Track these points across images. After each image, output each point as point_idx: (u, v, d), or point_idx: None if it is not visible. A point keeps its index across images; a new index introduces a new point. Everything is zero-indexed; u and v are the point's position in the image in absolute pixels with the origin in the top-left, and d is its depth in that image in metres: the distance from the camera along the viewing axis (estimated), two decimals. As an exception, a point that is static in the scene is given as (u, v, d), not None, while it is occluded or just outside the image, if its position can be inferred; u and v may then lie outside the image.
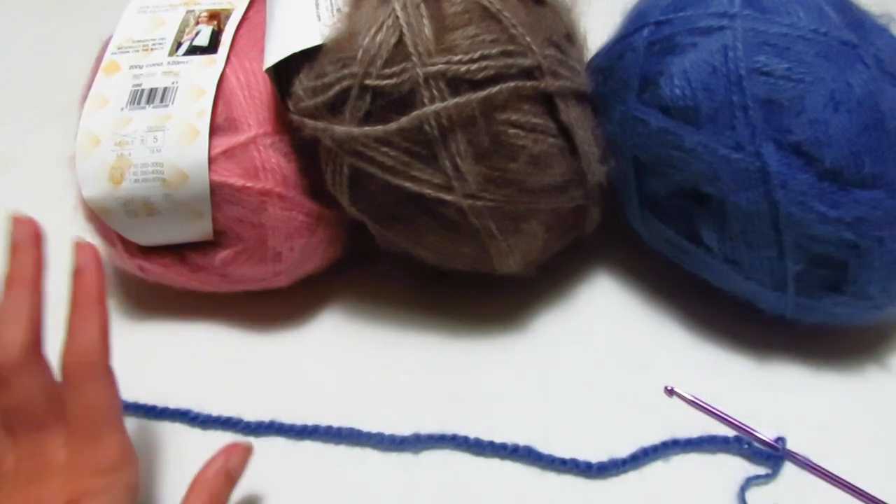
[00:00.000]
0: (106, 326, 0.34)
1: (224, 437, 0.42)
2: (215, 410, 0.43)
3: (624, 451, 0.41)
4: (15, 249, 0.35)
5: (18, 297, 0.34)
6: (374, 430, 0.42)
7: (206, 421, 0.43)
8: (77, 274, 0.35)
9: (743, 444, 0.41)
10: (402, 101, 0.38)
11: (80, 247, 0.35)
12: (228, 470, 0.36)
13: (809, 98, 0.38)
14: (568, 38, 0.43)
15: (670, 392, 0.44)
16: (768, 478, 0.40)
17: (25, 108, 0.63)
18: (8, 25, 0.72)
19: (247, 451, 0.38)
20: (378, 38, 0.38)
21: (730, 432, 0.42)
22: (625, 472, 0.41)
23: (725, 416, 0.43)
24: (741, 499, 0.39)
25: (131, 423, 0.43)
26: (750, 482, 0.40)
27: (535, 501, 0.40)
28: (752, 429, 0.42)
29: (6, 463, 0.33)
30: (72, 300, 0.34)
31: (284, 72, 0.42)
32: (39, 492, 0.32)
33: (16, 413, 0.32)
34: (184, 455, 0.41)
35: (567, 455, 0.41)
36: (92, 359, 0.33)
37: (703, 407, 0.43)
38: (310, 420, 0.43)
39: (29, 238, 0.35)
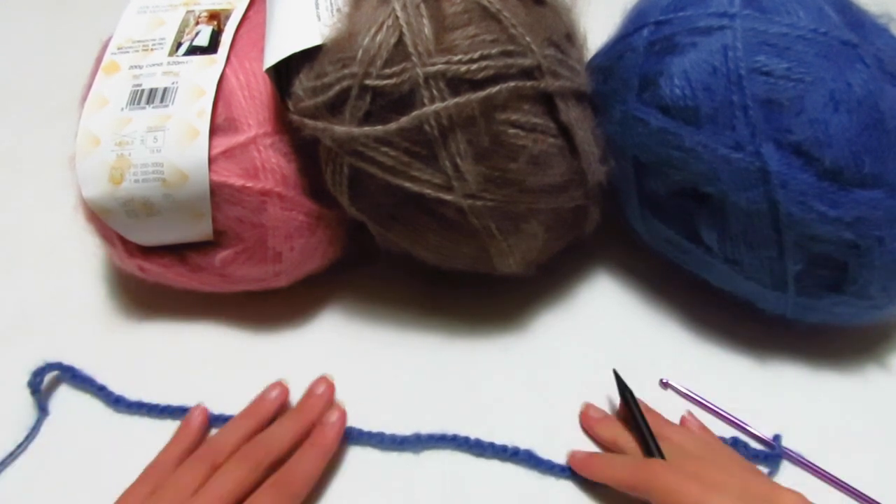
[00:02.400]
0: (319, 474, 0.39)
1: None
2: (215, 410, 0.43)
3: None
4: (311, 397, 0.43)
5: (247, 424, 0.41)
6: (374, 429, 0.42)
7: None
8: (325, 425, 0.41)
9: (739, 444, 0.41)
10: (402, 101, 0.38)
11: (339, 411, 0.41)
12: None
13: (809, 98, 0.38)
14: (568, 38, 0.43)
15: (665, 385, 0.44)
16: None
17: (25, 108, 0.63)
18: (8, 25, 0.72)
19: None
20: (378, 38, 0.38)
21: (727, 431, 0.42)
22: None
23: (720, 411, 0.43)
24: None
25: (132, 423, 0.43)
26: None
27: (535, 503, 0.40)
28: (746, 424, 0.42)
29: None
30: (312, 439, 0.40)
31: (284, 72, 0.42)
32: None
33: (207, 451, 0.39)
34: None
35: (565, 453, 0.41)
36: (297, 486, 0.38)
37: (698, 401, 0.43)
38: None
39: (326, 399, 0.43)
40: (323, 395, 0.42)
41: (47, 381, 0.44)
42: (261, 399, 0.43)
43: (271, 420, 0.41)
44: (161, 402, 0.44)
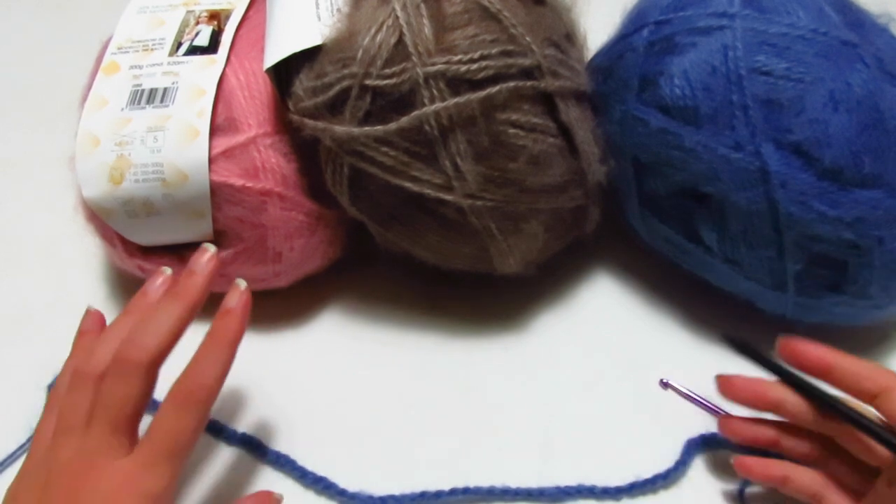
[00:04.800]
0: (226, 371, 0.35)
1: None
2: (215, 411, 0.43)
3: (622, 450, 0.41)
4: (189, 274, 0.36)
5: (172, 311, 0.35)
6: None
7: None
8: (223, 313, 0.36)
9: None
10: (402, 101, 0.38)
11: (239, 290, 0.36)
12: None
13: (809, 98, 0.38)
14: (568, 38, 0.43)
15: (665, 385, 0.44)
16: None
17: (25, 108, 0.63)
18: (8, 25, 0.72)
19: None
20: (378, 38, 0.38)
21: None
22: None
23: (721, 411, 0.42)
24: (740, 498, 0.39)
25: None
26: (749, 482, 0.40)
27: None
28: None
29: (66, 452, 0.33)
30: (209, 333, 0.35)
31: (284, 72, 0.42)
32: (81, 488, 0.32)
33: (106, 408, 0.33)
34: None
35: (566, 453, 0.41)
36: (201, 393, 0.34)
37: (698, 401, 0.43)
38: (309, 420, 0.43)
39: (210, 270, 0.37)
40: (203, 271, 0.36)
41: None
42: (142, 293, 0.37)
43: None
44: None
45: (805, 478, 0.37)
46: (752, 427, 0.38)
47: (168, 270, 0.38)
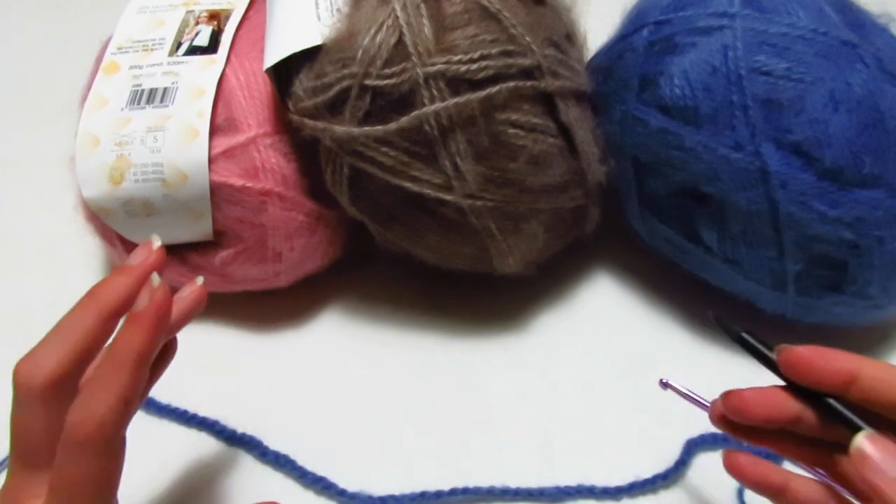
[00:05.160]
0: (128, 395, 0.27)
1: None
2: (215, 410, 0.43)
3: (622, 450, 0.41)
4: (121, 272, 0.31)
5: (73, 323, 0.29)
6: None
7: (202, 423, 0.43)
8: (128, 320, 0.28)
9: (742, 443, 0.41)
10: (402, 101, 0.38)
11: (151, 286, 0.29)
12: None
13: (809, 98, 0.38)
14: (568, 38, 0.43)
15: (665, 385, 0.44)
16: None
17: (25, 108, 0.63)
18: (8, 25, 0.72)
19: None
20: (378, 38, 0.38)
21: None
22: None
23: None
24: (740, 499, 0.39)
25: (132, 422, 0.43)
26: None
27: None
28: None
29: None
30: (108, 347, 0.29)
31: (284, 72, 0.42)
32: None
33: (15, 441, 0.29)
34: (178, 455, 0.41)
35: (566, 453, 0.41)
36: (94, 431, 0.27)
37: (698, 402, 0.43)
38: (309, 420, 0.43)
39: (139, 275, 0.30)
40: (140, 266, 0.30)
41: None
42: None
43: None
44: (161, 402, 0.43)
45: (808, 489, 0.31)
46: (769, 402, 0.30)
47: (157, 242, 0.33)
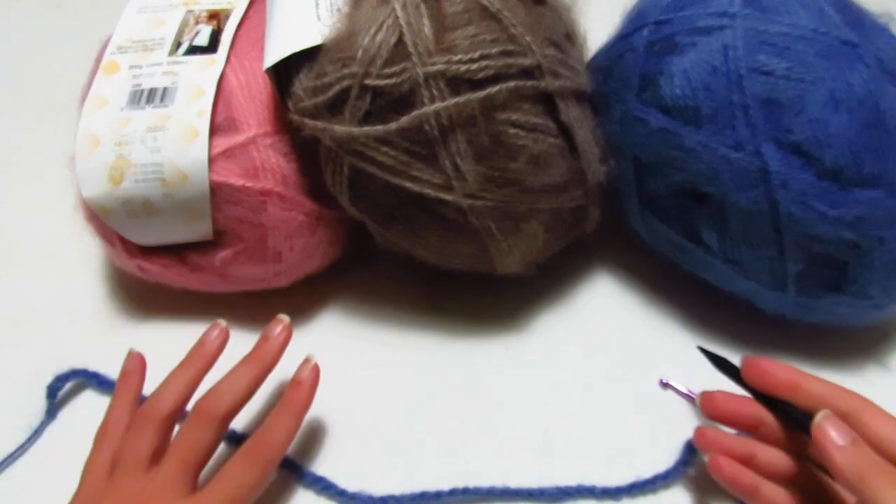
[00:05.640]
0: (293, 436, 0.38)
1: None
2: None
3: (622, 450, 0.41)
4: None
5: (248, 374, 0.39)
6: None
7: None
8: (295, 384, 0.39)
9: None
10: (402, 100, 0.38)
11: (310, 365, 0.40)
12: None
13: (809, 97, 0.38)
14: (568, 37, 0.43)
15: (665, 385, 0.44)
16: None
17: (25, 108, 0.63)
18: (8, 25, 0.72)
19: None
20: (378, 38, 0.38)
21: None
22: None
23: None
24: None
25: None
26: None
27: None
28: None
29: (129, 487, 0.35)
30: (282, 401, 0.39)
31: (284, 72, 0.42)
32: None
33: (179, 449, 0.36)
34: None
35: (566, 453, 0.41)
36: (270, 454, 0.37)
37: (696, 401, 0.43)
38: (309, 420, 0.43)
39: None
40: (279, 337, 0.40)
41: (68, 387, 0.45)
42: (200, 344, 0.40)
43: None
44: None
45: (776, 495, 0.36)
46: (736, 404, 0.38)
47: (222, 322, 0.41)
